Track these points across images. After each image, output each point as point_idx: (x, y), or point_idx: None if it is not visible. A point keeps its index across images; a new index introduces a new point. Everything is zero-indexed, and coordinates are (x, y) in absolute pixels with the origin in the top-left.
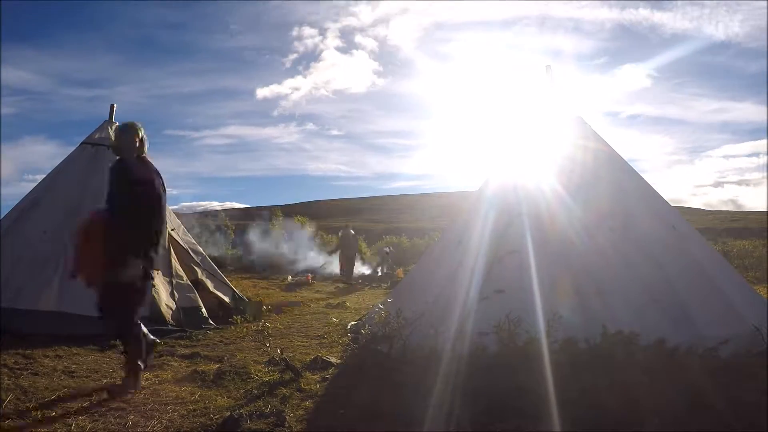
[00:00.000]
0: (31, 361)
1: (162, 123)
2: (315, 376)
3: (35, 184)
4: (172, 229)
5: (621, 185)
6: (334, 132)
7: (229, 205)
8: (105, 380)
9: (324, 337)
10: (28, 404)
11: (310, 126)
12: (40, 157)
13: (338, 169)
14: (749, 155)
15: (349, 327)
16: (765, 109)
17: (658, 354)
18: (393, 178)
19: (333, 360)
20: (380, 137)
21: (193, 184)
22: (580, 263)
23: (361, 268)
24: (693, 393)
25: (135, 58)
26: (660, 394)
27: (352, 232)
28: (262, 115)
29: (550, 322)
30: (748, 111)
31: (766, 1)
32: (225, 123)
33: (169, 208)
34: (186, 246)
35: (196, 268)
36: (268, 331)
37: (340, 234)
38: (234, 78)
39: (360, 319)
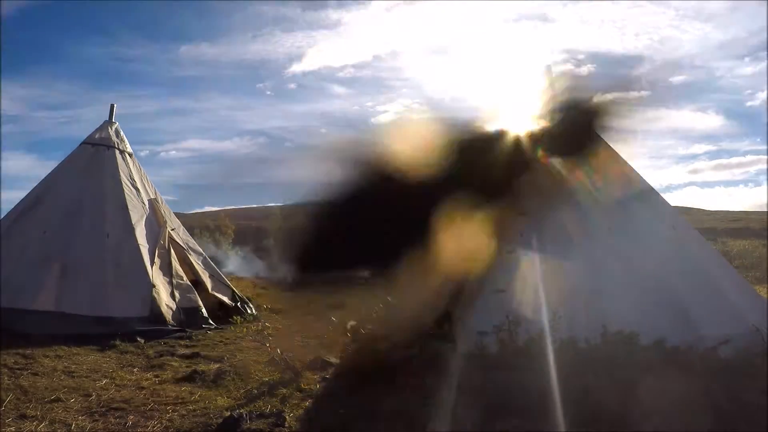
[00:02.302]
0: (31, 361)
1: (127, 138)
2: (315, 377)
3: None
4: (172, 229)
5: (623, 183)
6: (288, 144)
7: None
8: (105, 380)
9: (324, 338)
10: (28, 404)
11: (262, 140)
12: (21, 168)
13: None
14: (712, 159)
15: (349, 327)
16: (704, 115)
17: (658, 354)
18: None
19: (333, 360)
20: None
21: (173, 190)
22: (579, 263)
23: None
24: (693, 393)
25: (93, 85)
26: (660, 394)
27: None
28: (219, 129)
29: (550, 322)
30: (689, 117)
31: (663, 14)
32: (184, 138)
33: (169, 208)
34: (186, 246)
35: (196, 268)
36: (268, 331)
37: None
38: (185, 99)
39: (360, 319)
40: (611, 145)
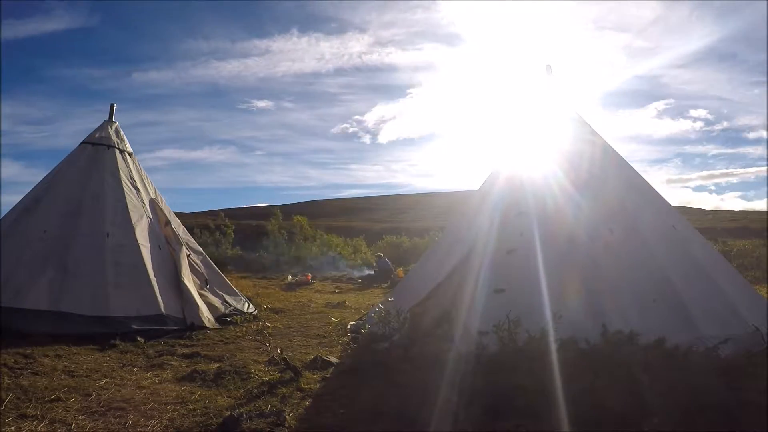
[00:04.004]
0: (31, 361)
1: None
2: (315, 376)
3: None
4: (172, 229)
5: (626, 182)
6: (258, 152)
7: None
8: (105, 380)
9: (324, 337)
10: (28, 404)
11: (232, 148)
12: (9, 175)
13: (284, 181)
14: (684, 161)
15: (349, 327)
16: (670, 121)
17: (658, 353)
18: (342, 187)
19: (333, 360)
20: (308, 154)
21: (165, 193)
22: (579, 263)
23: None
24: (693, 392)
25: (70, 102)
26: (660, 394)
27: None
28: (191, 139)
29: (550, 322)
30: (654, 122)
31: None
32: (158, 147)
33: (169, 208)
34: (186, 246)
35: (196, 268)
36: (268, 331)
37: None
38: (152, 113)
39: (360, 319)
40: (611, 146)
